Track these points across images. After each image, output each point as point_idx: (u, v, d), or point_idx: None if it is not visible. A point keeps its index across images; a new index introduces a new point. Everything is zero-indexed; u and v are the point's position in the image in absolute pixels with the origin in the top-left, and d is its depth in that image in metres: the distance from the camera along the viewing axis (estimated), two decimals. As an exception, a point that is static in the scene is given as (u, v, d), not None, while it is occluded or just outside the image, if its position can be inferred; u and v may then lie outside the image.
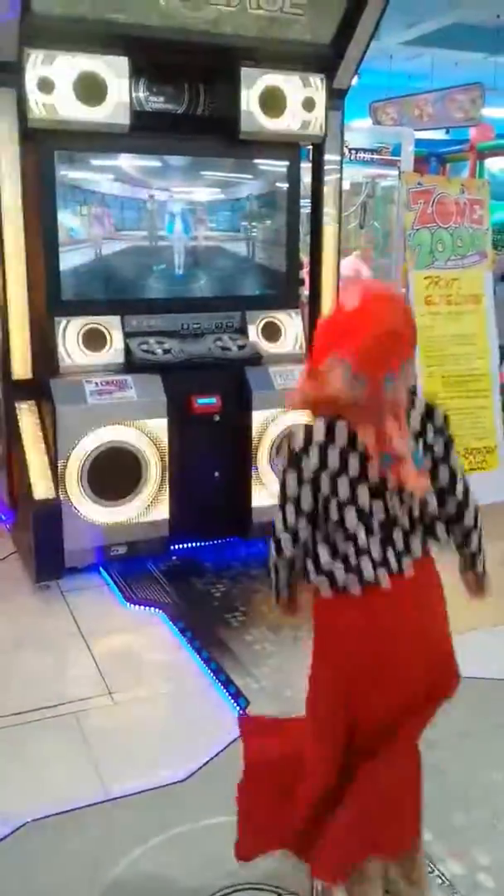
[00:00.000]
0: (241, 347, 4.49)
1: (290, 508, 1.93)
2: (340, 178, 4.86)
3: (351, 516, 1.89)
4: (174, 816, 2.55)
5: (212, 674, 3.36)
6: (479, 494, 4.59)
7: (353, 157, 6.94)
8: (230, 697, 3.19)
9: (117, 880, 2.33)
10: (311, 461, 1.89)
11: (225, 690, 3.24)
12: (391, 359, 1.80)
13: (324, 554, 1.93)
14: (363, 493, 1.88)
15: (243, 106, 4.28)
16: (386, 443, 1.82)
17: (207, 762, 2.80)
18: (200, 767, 2.78)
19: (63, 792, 2.67)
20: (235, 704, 3.14)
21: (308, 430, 1.91)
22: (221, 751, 2.85)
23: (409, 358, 1.87)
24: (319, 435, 1.89)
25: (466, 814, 2.59)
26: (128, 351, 4.26)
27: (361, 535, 1.89)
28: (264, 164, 4.73)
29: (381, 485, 1.88)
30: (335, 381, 1.78)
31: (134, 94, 4.14)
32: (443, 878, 2.34)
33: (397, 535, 1.92)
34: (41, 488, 4.00)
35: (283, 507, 1.95)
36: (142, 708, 3.17)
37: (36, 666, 3.45)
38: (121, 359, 4.26)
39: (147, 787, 2.69)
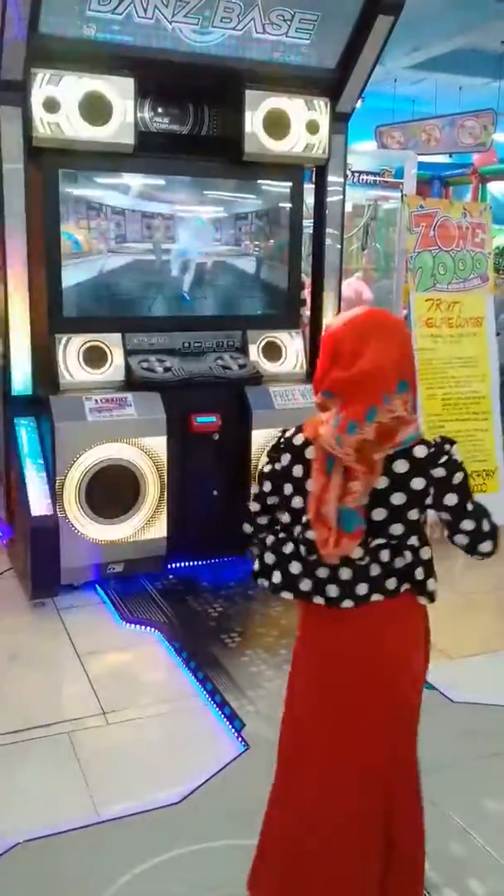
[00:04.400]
0: (241, 366, 4.50)
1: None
2: (343, 200, 4.89)
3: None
4: (168, 840, 2.52)
5: (207, 695, 3.33)
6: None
7: (356, 180, 6.97)
8: (225, 719, 3.16)
9: (108, 905, 2.31)
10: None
11: (220, 712, 3.21)
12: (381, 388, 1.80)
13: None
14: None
15: (247, 128, 4.32)
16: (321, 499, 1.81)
17: (202, 785, 2.77)
18: (195, 790, 2.75)
19: (55, 813, 2.64)
20: (231, 727, 3.11)
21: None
22: (216, 773, 2.83)
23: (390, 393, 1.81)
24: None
25: (461, 843, 2.56)
26: (128, 369, 4.27)
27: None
28: (267, 184, 4.76)
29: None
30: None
31: (139, 115, 4.19)
32: (437, 907, 2.31)
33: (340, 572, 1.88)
34: (39, 504, 3.99)
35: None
36: (136, 729, 3.15)
37: (30, 684, 3.43)
38: (121, 376, 4.27)
39: (140, 810, 2.66)
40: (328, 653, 1.96)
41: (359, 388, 1.78)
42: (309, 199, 4.95)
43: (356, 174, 7.08)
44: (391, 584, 1.88)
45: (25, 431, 4.15)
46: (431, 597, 1.93)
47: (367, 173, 7.34)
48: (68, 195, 4.26)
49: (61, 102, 3.91)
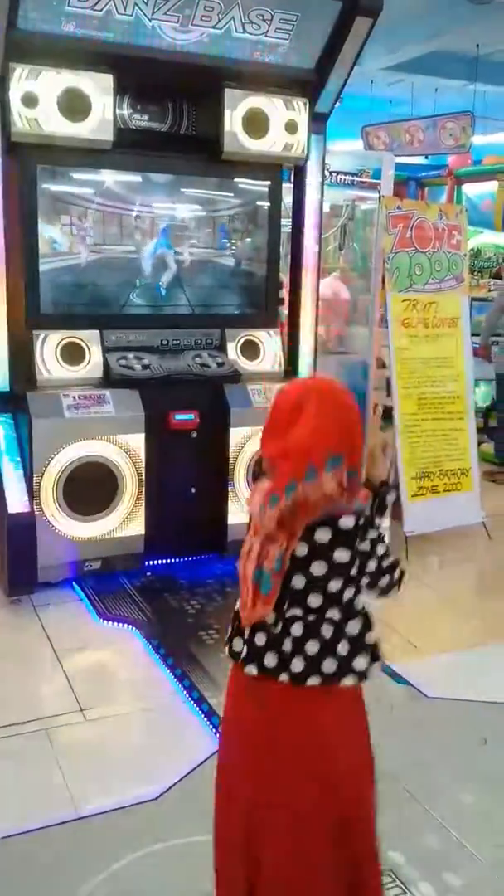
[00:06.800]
0: (219, 364, 4.51)
1: None
2: (321, 200, 4.92)
3: None
4: (146, 836, 2.52)
5: (185, 691, 3.34)
6: (453, 517, 4.62)
7: (333, 180, 7.00)
8: (203, 715, 3.17)
9: (86, 900, 2.31)
10: None
11: (198, 708, 3.22)
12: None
13: None
14: None
15: (227, 126, 4.32)
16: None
17: (179, 780, 2.78)
18: (172, 786, 2.76)
19: (33, 810, 2.64)
20: (208, 722, 3.12)
21: None
22: (194, 769, 2.83)
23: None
24: None
25: (437, 836, 2.59)
26: (106, 366, 4.26)
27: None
28: (246, 183, 4.77)
29: None
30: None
31: (118, 112, 4.18)
32: (413, 899, 2.34)
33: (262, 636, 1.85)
34: (15, 501, 3.97)
35: None
36: (114, 725, 3.15)
37: (7, 682, 3.42)
38: (99, 373, 4.26)
39: (118, 806, 2.66)
40: (234, 711, 1.97)
41: (285, 459, 1.72)
42: (287, 199, 4.97)
43: (334, 174, 7.12)
44: (297, 665, 1.79)
45: (2, 428, 4.13)
46: (360, 676, 1.82)
47: (345, 173, 7.38)
48: (46, 191, 4.24)
49: (40, 98, 3.89)
